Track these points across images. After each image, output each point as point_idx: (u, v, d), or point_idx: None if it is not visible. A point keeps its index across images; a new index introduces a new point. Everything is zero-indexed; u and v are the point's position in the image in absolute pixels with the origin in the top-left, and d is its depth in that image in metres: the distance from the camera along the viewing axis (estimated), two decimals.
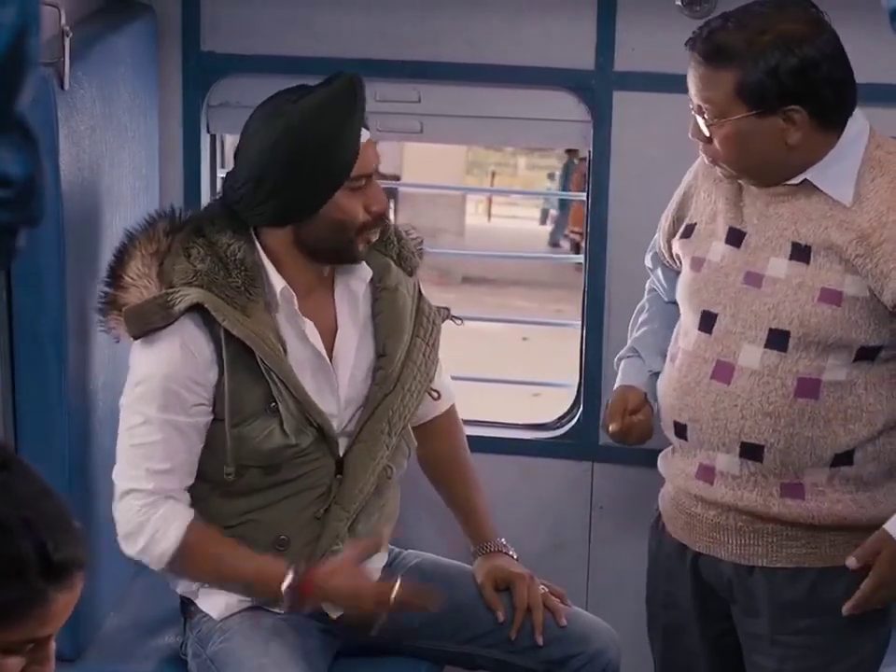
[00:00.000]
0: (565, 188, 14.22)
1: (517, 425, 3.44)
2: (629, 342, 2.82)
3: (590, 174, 3.19)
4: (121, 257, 2.65)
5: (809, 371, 2.48)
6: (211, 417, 2.61)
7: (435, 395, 2.83)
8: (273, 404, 2.60)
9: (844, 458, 2.51)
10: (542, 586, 2.82)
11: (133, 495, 2.61)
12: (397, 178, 12.14)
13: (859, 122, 2.49)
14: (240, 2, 3.20)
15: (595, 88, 3.11)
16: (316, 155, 2.57)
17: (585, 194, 3.23)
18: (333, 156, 2.58)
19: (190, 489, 2.65)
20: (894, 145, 2.53)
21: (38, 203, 1.45)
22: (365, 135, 2.62)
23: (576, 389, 3.32)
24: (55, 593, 1.58)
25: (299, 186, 2.59)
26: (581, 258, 3.39)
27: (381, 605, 2.56)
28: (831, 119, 2.45)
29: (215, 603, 2.72)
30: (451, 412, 2.96)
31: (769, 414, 2.49)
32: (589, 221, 3.22)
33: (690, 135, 2.51)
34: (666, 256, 2.76)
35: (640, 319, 2.83)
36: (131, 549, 2.63)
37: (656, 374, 2.71)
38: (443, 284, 11.61)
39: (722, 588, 2.65)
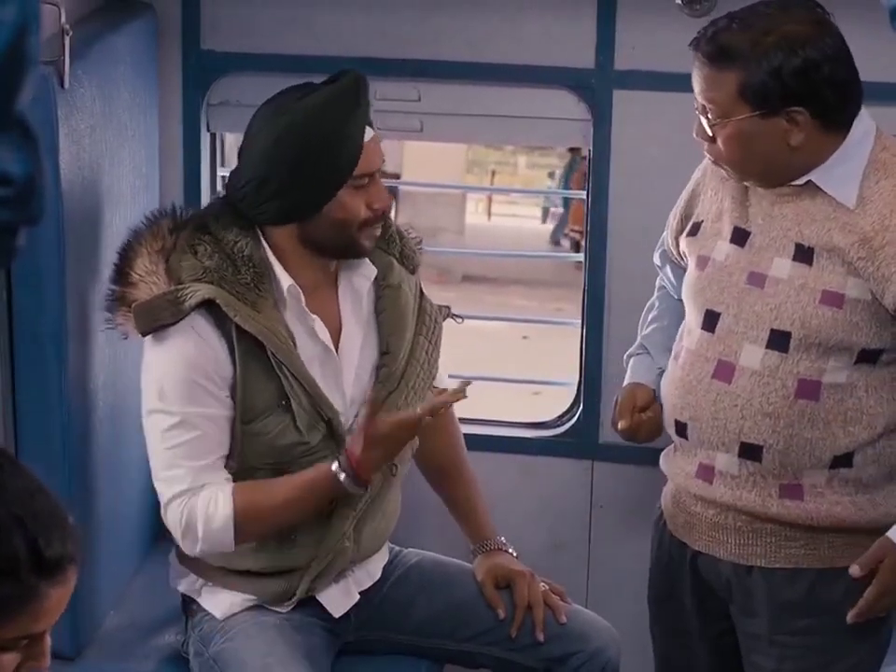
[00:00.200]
0: (567, 186, 14.21)
1: (517, 423, 3.44)
2: (638, 338, 2.82)
3: (590, 172, 3.19)
4: (127, 254, 2.65)
5: (810, 372, 2.48)
6: (233, 410, 2.60)
7: (434, 391, 2.83)
8: (285, 401, 2.59)
9: (843, 460, 2.51)
10: (542, 584, 2.82)
11: (178, 499, 2.59)
12: (397, 177, 12.13)
13: (865, 123, 2.49)
14: (240, 1, 3.19)
15: (596, 87, 3.11)
16: (320, 153, 2.57)
17: (585, 193, 3.23)
18: (337, 154, 2.58)
19: None
20: None
21: (38, 202, 1.45)
22: (369, 133, 2.62)
23: (576, 388, 3.32)
24: (48, 588, 1.59)
25: (302, 184, 2.59)
26: (581, 256, 3.39)
27: (414, 425, 2.56)
28: (834, 120, 2.45)
29: (218, 602, 2.72)
30: (448, 410, 2.96)
31: (769, 415, 2.49)
32: (589, 220, 3.22)
33: (694, 135, 2.51)
34: (674, 253, 2.76)
35: (650, 316, 2.83)
36: (192, 544, 2.60)
37: None
38: (443, 282, 11.61)
39: (721, 587, 2.66)
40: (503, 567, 2.83)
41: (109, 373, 2.88)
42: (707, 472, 2.57)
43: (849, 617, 2.52)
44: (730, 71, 2.41)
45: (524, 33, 3.12)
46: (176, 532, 2.61)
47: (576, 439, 3.30)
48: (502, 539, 2.90)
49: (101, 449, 2.85)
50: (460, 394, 2.57)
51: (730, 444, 2.53)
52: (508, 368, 7.83)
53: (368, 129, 2.62)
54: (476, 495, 2.95)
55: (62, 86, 2.58)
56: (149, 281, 2.60)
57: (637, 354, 2.80)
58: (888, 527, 2.50)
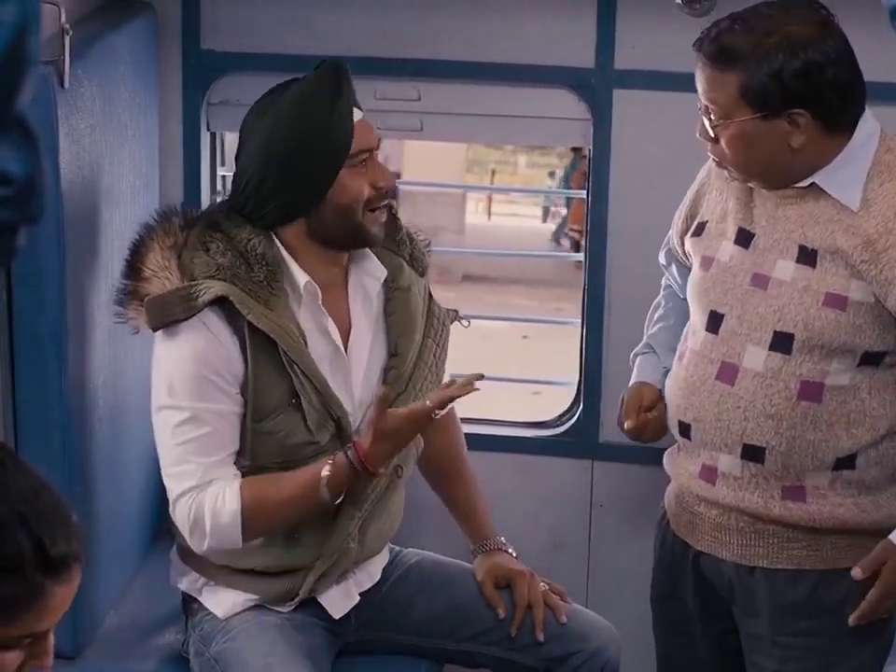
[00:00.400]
0: (569, 185, 14.21)
1: (517, 423, 3.44)
2: (645, 337, 2.82)
3: (590, 172, 3.19)
4: (138, 249, 2.64)
5: (813, 374, 2.47)
6: (244, 408, 2.60)
7: (442, 384, 2.82)
8: (296, 399, 2.59)
9: (846, 462, 2.51)
10: (542, 583, 2.82)
11: (187, 495, 2.59)
12: (397, 177, 12.12)
13: (869, 125, 2.48)
14: (240, 0, 3.20)
15: (596, 86, 3.11)
16: (308, 143, 2.57)
17: (585, 192, 3.23)
18: (326, 141, 2.58)
19: None
20: None
21: (38, 202, 1.45)
22: (358, 115, 2.62)
23: (576, 387, 3.32)
24: (53, 587, 1.59)
25: (298, 178, 2.60)
26: (580, 256, 3.39)
27: (425, 417, 2.55)
28: (837, 122, 2.44)
29: (220, 601, 2.72)
30: (449, 410, 2.95)
31: (771, 417, 2.49)
32: (589, 219, 3.22)
33: (697, 135, 2.51)
34: (680, 253, 2.76)
35: (656, 315, 2.83)
36: (200, 541, 2.60)
37: None
38: (443, 282, 11.60)
39: (723, 588, 2.65)
40: (503, 566, 2.83)
41: (109, 373, 2.88)
42: (709, 473, 2.57)
43: (851, 619, 2.52)
44: (731, 72, 2.41)
45: (524, 32, 3.12)
46: (184, 528, 2.61)
47: (576, 438, 3.30)
48: (502, 538, 2.90)
49: (101, 448, 2.85)
50: (470, 386, 2.56)
51: (733, 446, 2.52)
52: (508, 367, 7.83)
53: (356, 111, 2.62)
54: (476, 495, 2.95)
55: (62, 86, 2.58)
56: (162, 276, 2.60)
57: (644, 353, 2.80)
58: (890, 529, 2.50)
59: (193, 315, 2.54)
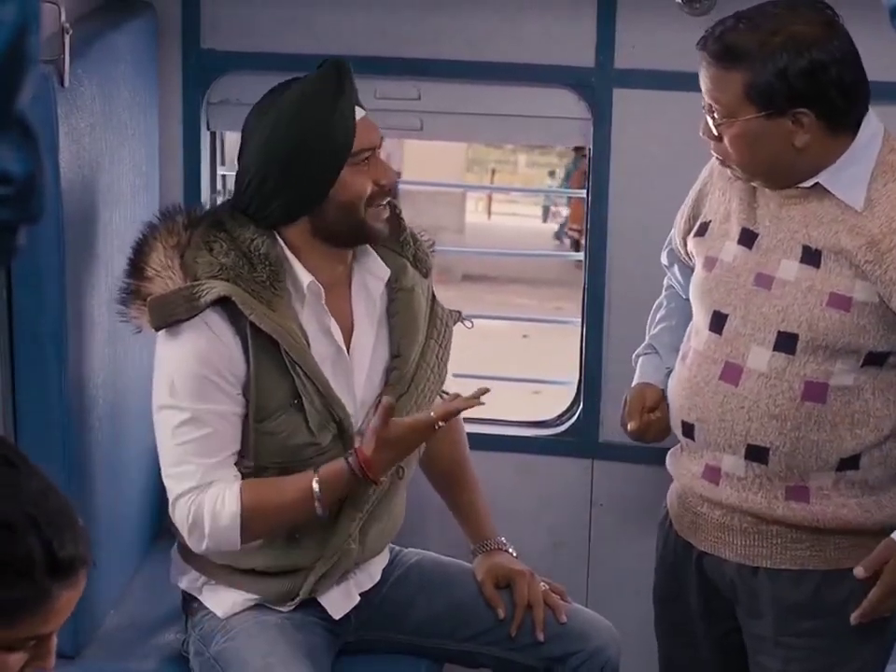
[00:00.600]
0: (569, 184, 14.20)
1: (517, 422, 3.44)
2: (647, 338, 2.82)
3: (590, 171, 3.19)
4: (142, 248, 2.64)
5: (817, 374, 2.47)
6: (246, 409, 2.60)
7: (446, 397, 2.82)
8: (297, 400, 2.59)
9: (850, 462, 2.50)
10: (542, 583, 2.82)
11: (187, 496, 2.58)
12: (397, 176, 12.13)
13: (873, 125, 2.48)
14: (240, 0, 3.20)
15: (596, 85, 3.11)
16: (309, 142, 2.57)
17: (585, 192, 3.23)
18: (327, 140, 2.58)
19: None
20: None
21: (38, 201, 1.45)
22: (360, 113, 2.62)
23: (576, 387, 3.32)
24: (60, 590, 1.59)
25: (299, 177, 2.59)
26: (580, 255, 3.39)
27: (428, 429, 2.56)
28: (840, 122, 2.44)
29: (220, 600, 2.71)
30: None
31: (775, 417, 2.48)
32: (589, 219, 3.22)
33: (700, 134, 2.51)
34: (682, 253, 2.76)
35: (658, 316, 2.83)
36: (198, 542, 2.60)
37: None
38: (443, 281, 11.58)
39: (726, 588, 2.65)
40: (503, 566, 2.83)
41: (109, 373, 2.88)
42: (713, 474, 2.57)
43: (853, 618, 2.52)
44: (736, 71, 2.40)
45: (524, 32, 3.12)
46: (183, 529, 2.60)
47: (576, 437, 3.30)
48: (502, 538, 2.90)
49: (100, 448, 2.85)
50: (475, 400, 2.56)
51: (736, 446, 2.52)
52: (508, 367, 7.83)
53: (358, 109, 2.62)
54: (478, 497, 2.95)
55: (62, 85, 2.58)
56: (165, 276, 2.59)
57: (646, 353, 2.80)
58: (893, 528, 2.50)
59: (196, 315, 2.54)
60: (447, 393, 2.82)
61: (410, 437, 2.58)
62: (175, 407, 2.58)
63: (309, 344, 2.62)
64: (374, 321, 2.73)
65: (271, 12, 3.16)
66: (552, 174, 16.24)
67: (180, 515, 2.60)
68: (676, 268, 2.81)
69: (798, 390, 2.47)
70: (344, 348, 2.68)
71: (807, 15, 2.41)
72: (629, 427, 2.70)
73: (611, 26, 3.07)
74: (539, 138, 3.83)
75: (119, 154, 2.93)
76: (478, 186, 19.69)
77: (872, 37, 2.42)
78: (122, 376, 2.94)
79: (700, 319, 2.60)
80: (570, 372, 3.37)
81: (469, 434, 3.01)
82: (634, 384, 2.77)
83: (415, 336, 2.75)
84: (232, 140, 3.30)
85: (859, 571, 2.49)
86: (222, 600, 2.71)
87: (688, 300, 2.72)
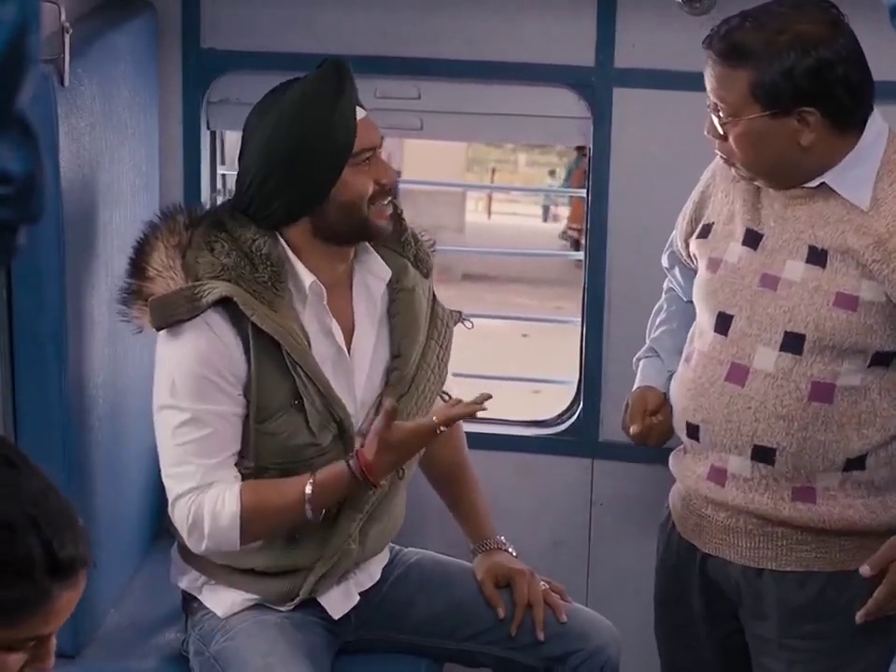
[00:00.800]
0: (569, 183, 14.19)
1: (517, 421, 3.44)
2: (647, 341, 2.82)
3: (590, 170, 3.19)
4: (143, 248, 2.64)
5: (824, 375, 2.47)
6: (246, 409, 2.60)
7: (447, 398, 2.82)
8: (298, 400, 2.59)
9: (856, 463, 2.50)
10: (542, 582, 2.82)
11: (187, 496, 2.58)
12: (397, 175, 12.13)
13: (878, 125, 2.47)
14: None
15: (596, 85, 3.11)
16: (309, 142, 2.57)
17: (585, 191, 3.23)
18: (327, 140, 2.58)
19: None
20: None
21: (38, 201, 1.45)
22: (361, 113, 2.62)
23: (576, 386, 3.32)
24: (60, 591, 1.59)
25: (300, 177, 2.59)
26: (581, 255, 3.39)
27: (430, 433, 2.56)
28: (846, 121, 2.43)
29: (220, 600, 2.72)
30: None
31: (782, 418, 2.48)
32: (589, 218, 3.22)
33: (705, 132, 2.50)
34: (684, 255, 2.75)
35: (658, 319, 2.82)
36: (198, 542, 2.59)
37: None
38: (443, 281, 11.57)
39: (731, 590, 2.65)
40: (503, 565, 2.83)
41: (109, 373, 2.87)
42: (718, 475, 2.56)
43: (858, 616, 2.51)
44: (742, 70, 2.40)
45: (524, 31, 3.12)
46: (183, 529, 2.60)
47: (576, 437, 3.30)
48: (502, 538, 2.90)
49: (100, 448, 2.85)
50: (478, 406, 2.56)
51: (743, 447, 2.52)
52: (508, 366, 7.81)
53: (359, 109, 2.62)
54: (478, 497, 2.95)
55: (62, 84, 2.58)
56: (166, 276, 2.59)
57: (647, 357, 2.79)
58: None
59: (197, 316, 2.54)
60: (447, 393, 2.82)
61: (412, 441, 2.58)
62: (176, 407, 2.58)
63: (310, 345, 2.62)
64: (375, 321, 2.73)
65: (271, 12, 3.16)
66: (552, 173, 16.25)
67: (180, 516, 2.59)
68: (677, 270, 2.81)
69: (805, 390, 2.47)
70: (345, 348, 2.68)
71: (813, 14, 2.41)
72: (631, 430, 2.70)
73: (611, 25, 3.07)
74: (539, 137, 3.83)
75: (119, 154, 2.92)
76: (478, 185, 19.71)
77: (873, 37, 2.42)
78: (122, 376, 2.94)
79: (704, 321, 2.59)
80: (570, 372, 3.37)
81: (468, 433, 3.01)
82: (635, 387, 2.76)
83: (416, 336, 2.75)
84: (233, 139, 3.30)
85: (864, 569, 2.48)
86: (222, 600, 2.71)
87: (689, 302, 2.71)
